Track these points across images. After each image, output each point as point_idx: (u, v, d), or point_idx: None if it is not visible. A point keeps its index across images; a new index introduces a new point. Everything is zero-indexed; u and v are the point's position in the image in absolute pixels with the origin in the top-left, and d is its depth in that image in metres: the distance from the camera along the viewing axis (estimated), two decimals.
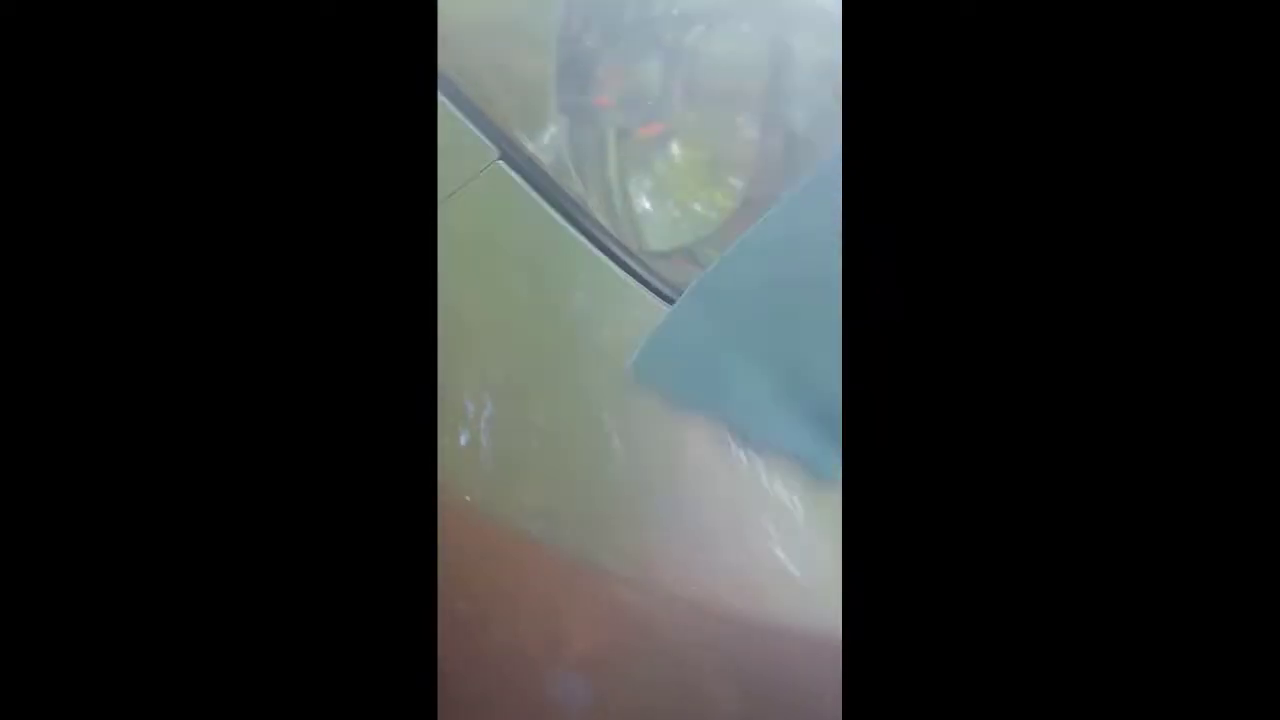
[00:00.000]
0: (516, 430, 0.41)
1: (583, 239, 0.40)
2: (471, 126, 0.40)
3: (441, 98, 0.39)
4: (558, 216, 0.40)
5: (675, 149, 0.41)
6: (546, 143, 0.41)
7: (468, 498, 0.40)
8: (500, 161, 0.39)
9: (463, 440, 0.40)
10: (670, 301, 0.40)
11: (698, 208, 0.41)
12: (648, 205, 0.41)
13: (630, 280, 0.40)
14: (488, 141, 0.39)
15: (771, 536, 0.39)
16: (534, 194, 0.40)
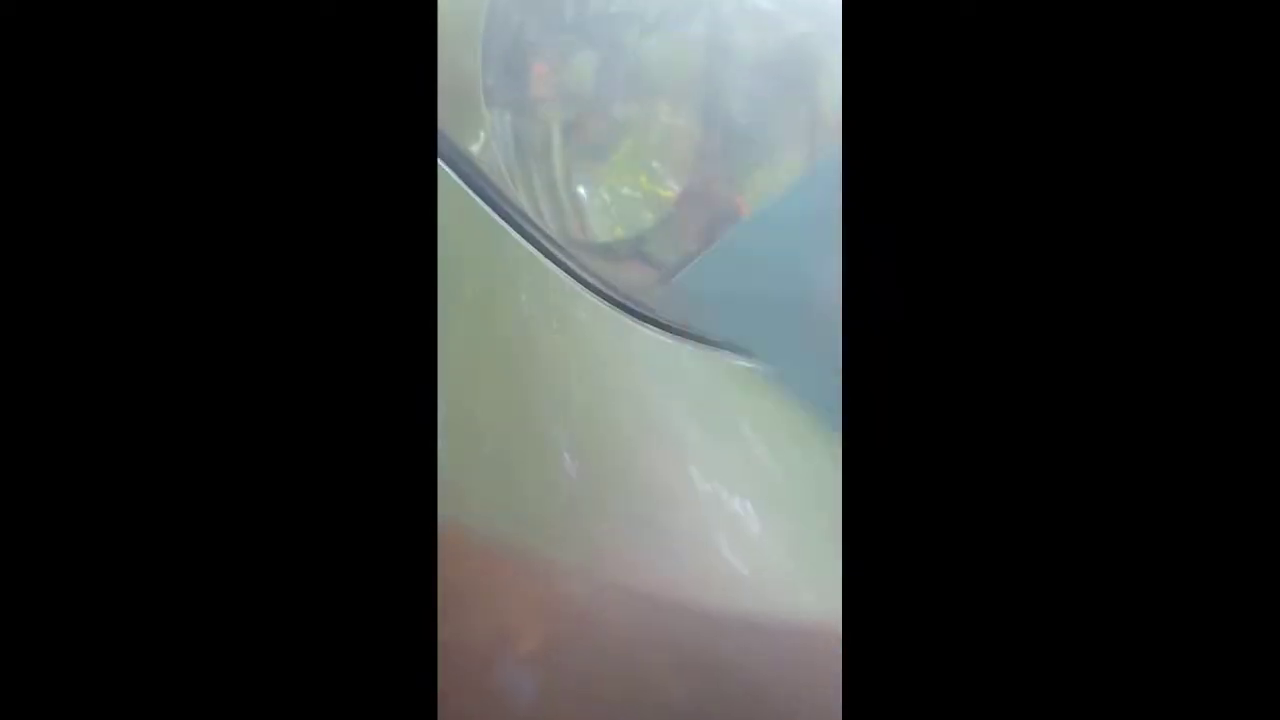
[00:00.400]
0: (469, 431, 0.40)
1: (523, 240, 0.40)
2: None
3: None
4: (497, 217, 0.39)
5: (616, 144, 0.40)
6: (482, 141, 0.40)
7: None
8: (440, 161, 0.38)
9: None
10: (612, 302, 0.40)
11: (638, 199, 0.41)
12: (589, 197, 0.41)
13: (574, 283, 0.40)
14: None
15: (724, 545, 0.40)
16: (473, 195, 0.39)
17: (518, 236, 0.40)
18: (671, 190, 0.40)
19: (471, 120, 0.40)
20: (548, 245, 0.40)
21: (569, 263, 0.40)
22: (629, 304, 0.40)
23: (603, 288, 0.40)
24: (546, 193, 0.40)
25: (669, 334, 0.40)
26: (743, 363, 0.41)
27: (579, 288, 0.40)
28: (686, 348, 0.40)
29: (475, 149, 0.40)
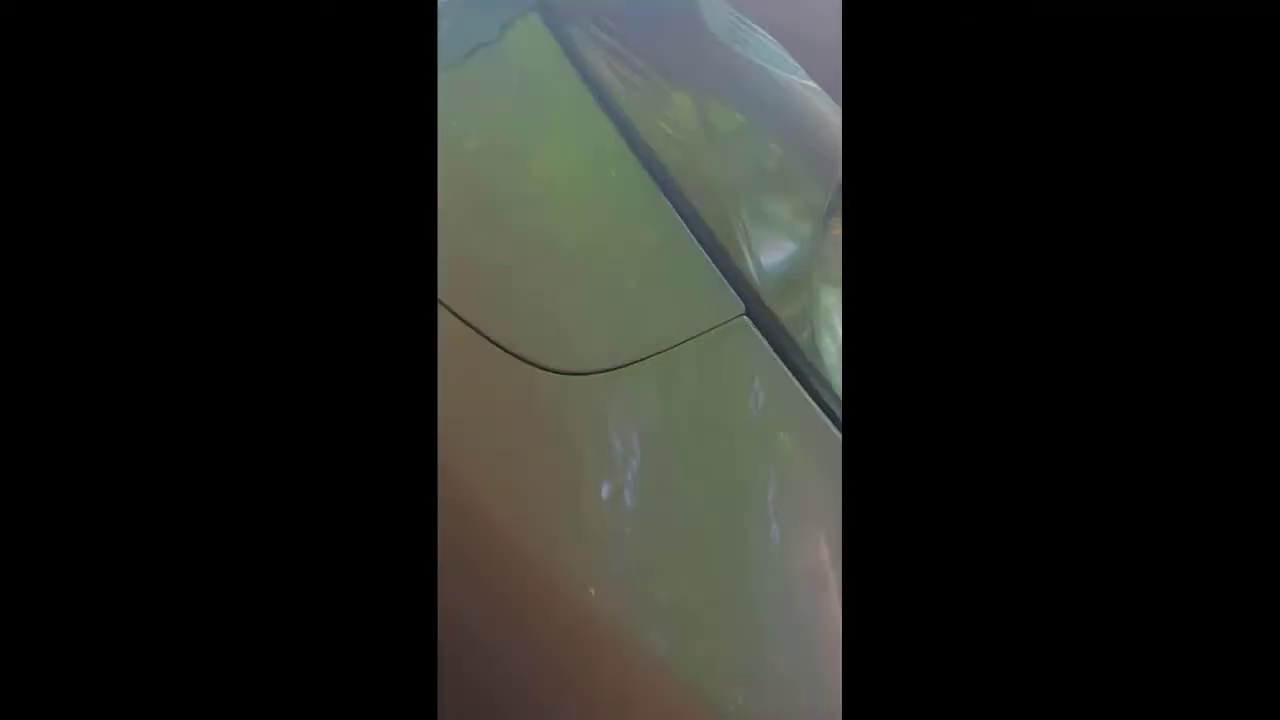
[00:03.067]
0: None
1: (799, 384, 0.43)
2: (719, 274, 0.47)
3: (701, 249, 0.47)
4: (787, 371, 0.44)
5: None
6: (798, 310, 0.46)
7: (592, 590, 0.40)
8: (745, 317, 0.45)
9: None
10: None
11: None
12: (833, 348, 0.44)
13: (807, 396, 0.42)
14: (735, 295, 0.47)
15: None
16: (772, 352, 0.45)
17: (776, 356, 0.44)
18: None
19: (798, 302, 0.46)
20: (795, 360, 0.43)
21: (809, 378, 0.43)
22: None
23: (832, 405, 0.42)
24: (801, 317, 0.44)
25: None
26: None
27: (812, 402, 0.42)
28: None
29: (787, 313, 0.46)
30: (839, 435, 0.42)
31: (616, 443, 0.41)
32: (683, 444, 0.43)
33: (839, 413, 0.43)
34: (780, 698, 0.38)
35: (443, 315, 0.44)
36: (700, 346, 0.46)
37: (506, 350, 0.43)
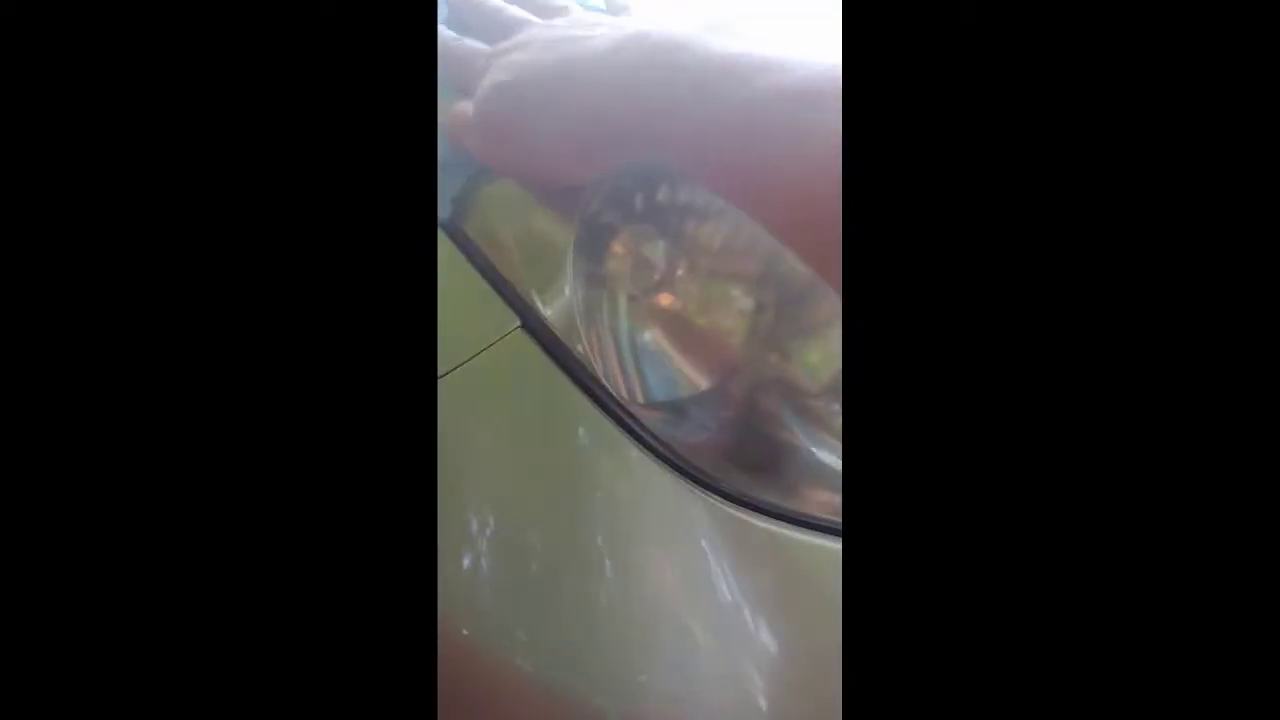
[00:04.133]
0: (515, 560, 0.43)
1: (582, 393, 0.44)
2: (494, 291, 0.43)
3: (470, 266, 0.43)
4: (566, 377, 0.43)
5: (676, 316, 0.45)
6: (560, 307, 0.44)
7: (465, 631, 0.42)
8: (521, 329, 0.42)
9: (465, 564, 0.42)
10: (655, 453, 0.44)
11: (688, 369, 0.45)
12: (648, 365, 0.45)
13: (624, 434, 0.44)
14: (511, 310, 0.43)
15: (754, 682, 0.42)
16: (547, 357, 0.43)
17: (577, 389, 0.44)
18: (724, 359, 0.44)
19: (554, 287, 0.44)
20: (606, 400, 0.44)
21: (623, 416, 0.44)
22: (677, 459, 0.44)
23: (653, 441, 0.44)
24: (613, 352, 0.44)
25: (711, 493, 0.44)
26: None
27: (629, 439, 0.44)
28: (728, 509, 0.43)
29: (551, 312, 0.45)
30: (632, 442, 0.45)
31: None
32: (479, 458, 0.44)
33: (635, 424, 0.46)
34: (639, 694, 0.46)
35: None
36: (483, 362, 0.44)
37: None
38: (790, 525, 0.43)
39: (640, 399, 0.44)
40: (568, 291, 0.44)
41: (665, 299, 0.45)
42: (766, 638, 0.42)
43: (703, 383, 0.45)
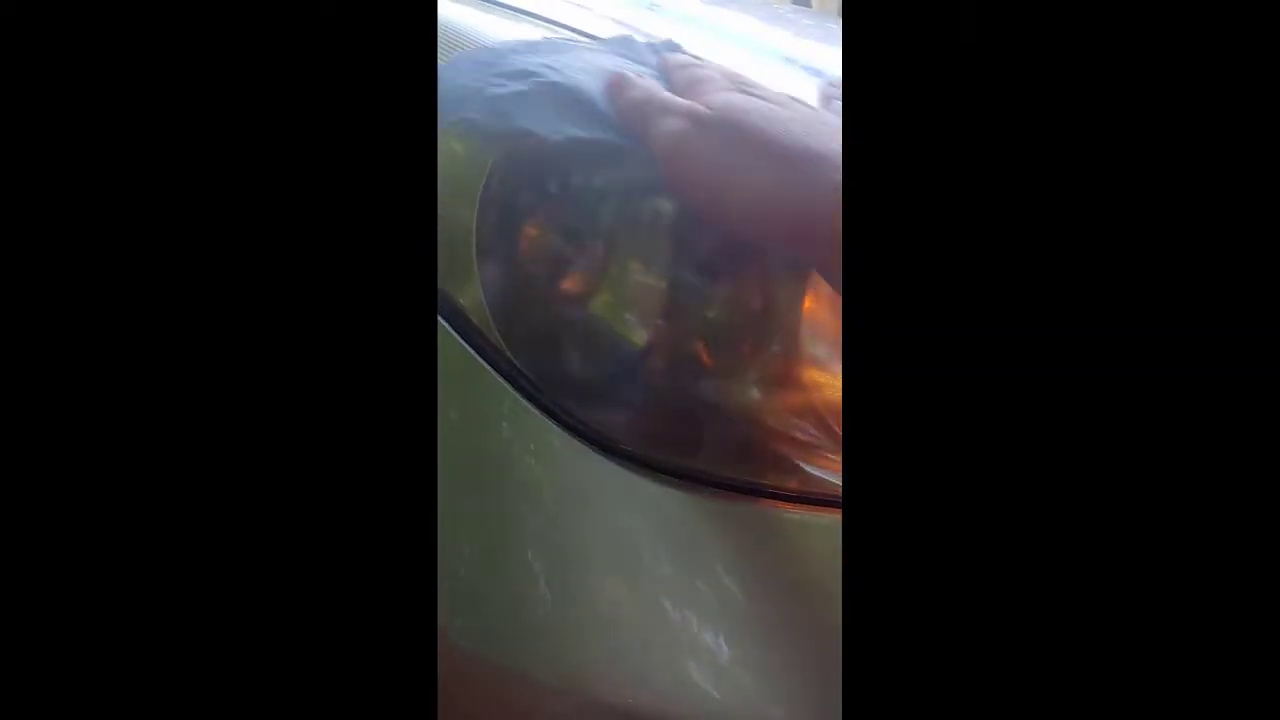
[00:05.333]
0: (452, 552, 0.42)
1: (501, 379, 0.43)
2: None
3: None
4: (483, 361, 0.43)
5: (594, 296, 0.45)
6: (472, 292, 0.43)
7: None
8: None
9: None
10: (584, 437, 0.44)
11: (612, 346, 0.46)
12: (566, 342, 0.45)
13: (546, 418, 0.44)
14: None
15: (695, 673, 0.43)
16: (461, 341, 0.42)
17: (497, 375, 0.44)
18: (641, 339, 0.45)
19: (463, 269, 0.43)
20: (524, 383, 0.44)
21: (543, 399, 0.44)
22: (600, 439, 0.44)
23: (575, 423, 0.44)
24: (531, 337, 0.44)
25: (635, 467, 0.45)
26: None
27: (552, 422, 0.44)
28: (653, 482, 0.44)
29: (464, 297, 0.44)
30: (555, 426, 0.45)
31: None
32: None
33: (557, 408, 0.46)
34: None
35: None
36: None
37: None
38: (719, 491, 0.44)
39: (561, 378, 0.44)
40: (477, 276, 0.43)
41: (582, 279, 0.45)
42: (710, 609, 0.43)
43: (623, 360, 0.45)
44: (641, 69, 0.48)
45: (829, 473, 0.44)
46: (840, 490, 0.42)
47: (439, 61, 0.44)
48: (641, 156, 0.42)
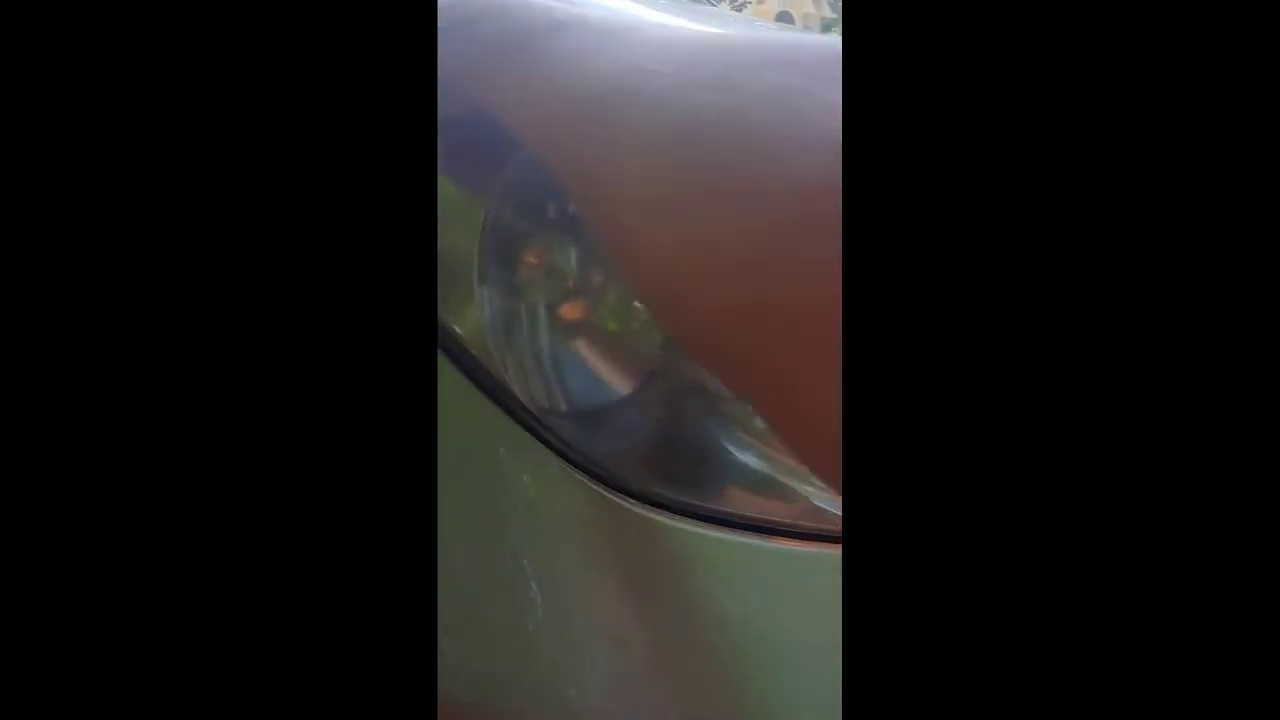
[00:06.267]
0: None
1: (502, 411, 0.43)
2: None
3: None
4: (483, 395, 0.42)
5: (592, 324, 0.44)
6: (471, 322, 0.43)
7: None
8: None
9: None
10: (572, 462, 0.43)
11: (614, 374, 0.45)
12: (568, 370, 0.44)
13: (545, 448, 0.43)
14: None
15: (686, 695, 0.42)
16: (458, 371, 0.42)
17: (494, 405, 0.43)
18: (643, 367, 0.44)
19: (463, 297, 0.43)
20: (523, 414, 0.43)
21: (542, 430, 0.43)
22: (600, 469, 0.43)
23: (574, 454, 0.43)
24: (529, 364, 0.43)
25: (637, 501, 0.43)
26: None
27: (550, 453, 0.43)
28: (656, 516, 0.43)
29: (462, 325, 0.43)
30: (553, 456, 0.44)
31: None
32: None
33: (555, 438, 0.45)
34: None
35: None
36: None
37: None
38: (717, 526, 0.43)
39: (562, 408, 0.43)
40: (479, 303, 0.43)
41: (581, 307, 0.44)
42: (695, 643, 0.42)
43: (623, 389, 0.44)
44: None
45: (837, 504, 0.43)
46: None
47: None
48: None
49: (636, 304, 0.44)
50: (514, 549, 0.43)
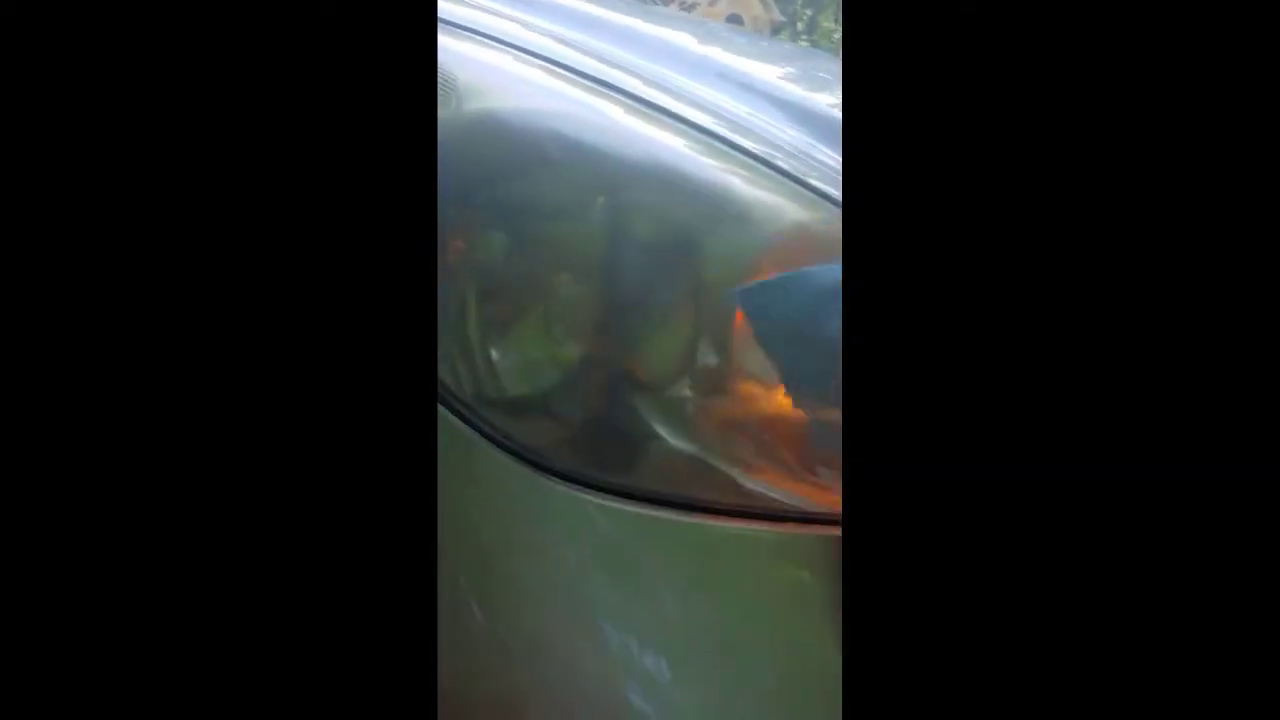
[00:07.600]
0: None
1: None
2: None
3: None
4: None
5: (525, 310, 0.44)
6: None
7: None
8: None
9: None
10: (516, 455, 0.43)
11: (544, 361, 0.45)
12: (499, 359, 0.44)
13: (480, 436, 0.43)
14: None
15: (635, 703, 0.42)
16: None
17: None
18: (573, 353, 0.44)
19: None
20: (454, 402, 0.43)
21: (474, 418, 0.43)
22: (534, 456, 0.44)
23: (509, 441, 0.44)
24: (461, 354, 0.43)
25: (572, 485, 0.44)
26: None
27: (486, 441, 0.43)
28: (590, 498, 0.43)
29: None
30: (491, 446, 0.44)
31: None
32: None
33: (491, 429, 0.45)
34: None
35: None
36: None
37: None
38: (648, 505, 0.43)
39: (493, 395, 0.43)
40: None
41: (512, 294, 0.44)
42: (650, 629, 0.42)
43: (556, 376, 0.44)
44: None
45: (766, 485, 0.43)
46: (779, 504, 0.42)
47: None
48: (574, 168, 0.42)
49: (566, 289, 0.44)
50: (450, 533, 0.43)
